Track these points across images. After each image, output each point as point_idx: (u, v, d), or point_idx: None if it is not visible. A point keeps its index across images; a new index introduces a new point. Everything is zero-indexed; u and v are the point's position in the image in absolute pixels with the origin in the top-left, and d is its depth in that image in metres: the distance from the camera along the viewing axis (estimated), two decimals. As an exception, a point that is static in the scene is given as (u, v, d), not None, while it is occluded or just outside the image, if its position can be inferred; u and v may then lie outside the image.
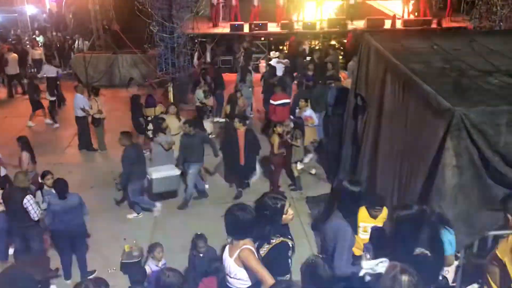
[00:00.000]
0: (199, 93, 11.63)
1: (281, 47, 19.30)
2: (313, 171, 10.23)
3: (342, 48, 18.85)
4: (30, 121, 13.09)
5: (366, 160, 7.44)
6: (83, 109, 11.06)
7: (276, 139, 8.85)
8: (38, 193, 7.42)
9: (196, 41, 12.60)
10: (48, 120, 13.25)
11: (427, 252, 3.67)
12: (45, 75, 14.41)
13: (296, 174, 9.55)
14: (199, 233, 6.10)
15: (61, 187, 6.67)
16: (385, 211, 5.57)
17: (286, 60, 15.33)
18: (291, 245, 3.87)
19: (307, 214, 8.52)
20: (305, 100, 10.32)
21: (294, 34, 18.02)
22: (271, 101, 10.90)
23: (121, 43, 16.45)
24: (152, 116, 10.75)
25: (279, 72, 14.20)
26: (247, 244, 3.65)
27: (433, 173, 4.87)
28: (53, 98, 13.35)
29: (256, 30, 18.61)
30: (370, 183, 6.91)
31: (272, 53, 16.77)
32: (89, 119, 11.30)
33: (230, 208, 3.74)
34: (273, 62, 14.89)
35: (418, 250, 3.67)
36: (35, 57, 17.55)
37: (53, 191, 6.89)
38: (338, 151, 9.13)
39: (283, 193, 4.19)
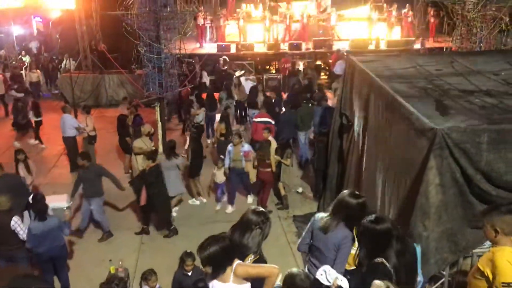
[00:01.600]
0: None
1: (267, 67, 19.54)
2: (300, 190, 10.27)
3: (327, 68, 19.16)
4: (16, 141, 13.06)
5: (352, 179, 7.50)
6: (78, 128, 11.11)
7: (273, 159, 9.01)
8: (26, 213, 7.32)
9: (183, 61, 12.72)
10: (33, 141, 13.22)
11: (385, 262, 3.71)
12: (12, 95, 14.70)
13: (283, 193, 9.58)
14: (188, 251, 6.07)
15: (40, 208, 6.58)
16: None
17: (253, 77, 15.59)
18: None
19: (294, 232, 8.52)
20: (239, 136, 9.43)
21: (284, 55, 18.30)
22: (254, 119, 11.04)
23: (108, 63, 16.50)
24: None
25: (247, 88, 14.44)
26: (234, 262, 3.66)
27: (417, 191, 4.93)
28: (39, 119, 13.29)
29: (242, 50, 18.83)
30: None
31: (238, 72, 16.84)
32: (78, 138, 11.37)
33: (206, 245, 3.58)
34: (242, 80, 15.11)
35: (379, 259, 3.71)
36: (32, 80, 17.49)
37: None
38: (324, 169, 9.19)
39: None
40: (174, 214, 9.27)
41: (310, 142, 11.43)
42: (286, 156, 9.38)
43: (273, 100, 12.87)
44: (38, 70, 18.29)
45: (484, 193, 4.77)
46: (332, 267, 3.99)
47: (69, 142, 11.31)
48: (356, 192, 4.48)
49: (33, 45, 21.73)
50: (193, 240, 7.95)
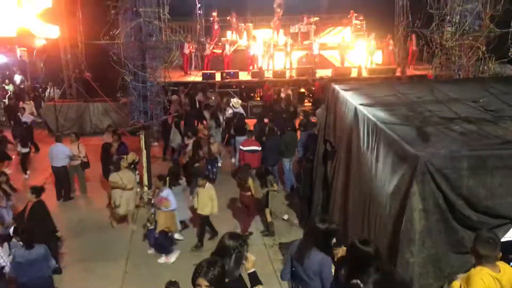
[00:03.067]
0: None
1: (252, 94, 19.79)
2: (286, 217, 10.25)
3: (311, 95, 19.45)
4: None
5: (337, 205, 7.54)
6: (72, 156, 11.06)
7: (252, 183, 8.97)
8: (6, 245, 7.18)
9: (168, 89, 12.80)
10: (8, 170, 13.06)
11: (360, 284, 3.79)
12: None
13: (269, 219, 9.55)
14: (172, 280, 6.00)
15: (27, 236, 6.48)
16: (342, 251, 5.56)
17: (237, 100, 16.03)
18: None
19: (280, 260, 8.45)
20: (160, 179, 8.61)
21: (267, 82, 18.54)
22: (241, 147, 11.10)
23: (92, 91, 16.51)
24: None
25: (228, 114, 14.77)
26: None
27: (401, 217, 4.98)
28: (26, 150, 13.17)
29: (227, 78, 19.03)
30: (342, 227, 6.97)
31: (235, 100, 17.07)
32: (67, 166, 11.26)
33: (208, 269, 3.54)
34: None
35: (354, 281, 3.80)
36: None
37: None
38: (309, 196, 9.22)
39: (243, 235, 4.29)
40: (181, 238, 9.19)
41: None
42: (270, 184, 9.40)
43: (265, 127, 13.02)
44: (31, 101, 18.15)
45: (466, 218, 4.84)
46: None
47: (60, 172, 11.19)
48: (325, 218, 4.64)
49: (17, 78, 21.60)
50: (177, 269, 7.93)
